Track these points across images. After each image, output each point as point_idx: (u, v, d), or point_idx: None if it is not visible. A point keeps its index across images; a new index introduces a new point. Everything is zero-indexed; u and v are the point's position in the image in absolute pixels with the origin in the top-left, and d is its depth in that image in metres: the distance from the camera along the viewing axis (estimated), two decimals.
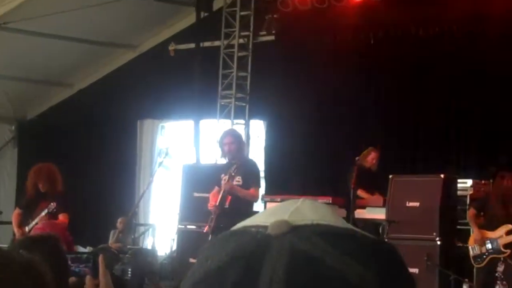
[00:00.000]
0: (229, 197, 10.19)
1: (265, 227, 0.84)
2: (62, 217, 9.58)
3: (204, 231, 10.56)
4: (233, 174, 10.00)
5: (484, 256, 10.23)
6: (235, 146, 10.50)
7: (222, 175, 10.48)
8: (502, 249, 10.07)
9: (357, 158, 12.41)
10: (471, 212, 10.70)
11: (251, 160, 10.90)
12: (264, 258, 0.80)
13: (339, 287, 0.79)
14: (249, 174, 10.40)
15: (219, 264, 0.82)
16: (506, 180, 10.17)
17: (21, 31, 15.71)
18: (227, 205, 10.20)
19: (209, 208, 10.48)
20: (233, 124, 15.67)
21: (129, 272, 12.69)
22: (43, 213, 9.44)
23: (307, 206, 0.87)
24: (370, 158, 12.62)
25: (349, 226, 0.87)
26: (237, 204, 10.14)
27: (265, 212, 0.90)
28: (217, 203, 10.22)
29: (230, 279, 0.80)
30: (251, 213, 9.98)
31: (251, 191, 10.37)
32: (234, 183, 10.15)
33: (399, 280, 0.85)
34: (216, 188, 10.64)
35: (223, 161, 11.10)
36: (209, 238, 10.10)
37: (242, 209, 10.03)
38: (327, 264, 0.79)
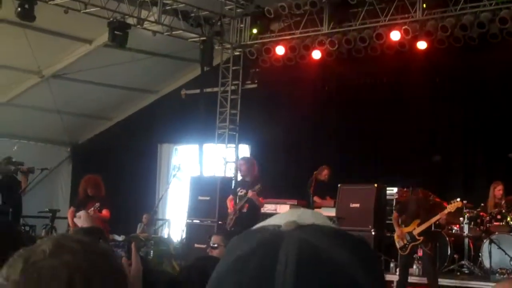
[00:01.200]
0: (247, 205, 10.33)
1: (279, 225, 0.86)
2: (105, 212, 9.59)
3: (228, 227, 10.63)
4: (256, 189, 10.17)
5: (407, 246, 10.20)
6: (245, 167, 10.70)
7: (239, 188, 10.65)
8: (417, 237, 10.11)
9: (315, 172, 12.50)
10: (394, 214, 10.65)
11: (259, 179, 10.91)
12: (280, 247, 0.81)
13: (332, 266, 0.80)
14: (262, 189, 10.45)
15: (246, 251, 0.83)
16: (421, 194, 10.30)
17: (75, 80, 15.75)
18: (245, 209, 10.36)
19: (229, 211, 10.63)
20: (226, 147, 15.72)
21: (151, 254, 12.71)
22: (92, 209, 9.45)
23: (308, 213, 0.90)
24: (324, 173, 12.66)
25: (337, 226, 0.91)
26: (253, 210, 10.35)
27: (278, 216, 0.92)
28: (237, 208, 10.41)
29: (254, 262, 0.81)
30: (260, 216, 10.31)
31: (261, 200, 10.47)
32: (249, 194, 10.27)
33: (373, 261, 0.87)
34: (230, 196, 10.77)
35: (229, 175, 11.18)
36: (228, 231, 10.24)
37: (256, 213, 10.34)
38: (325, 251, 0.81)
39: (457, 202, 10.26)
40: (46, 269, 1.24)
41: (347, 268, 0.81)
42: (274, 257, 0.80)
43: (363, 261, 0.83)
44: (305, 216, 0.89)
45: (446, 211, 10.17)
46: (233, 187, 11.96)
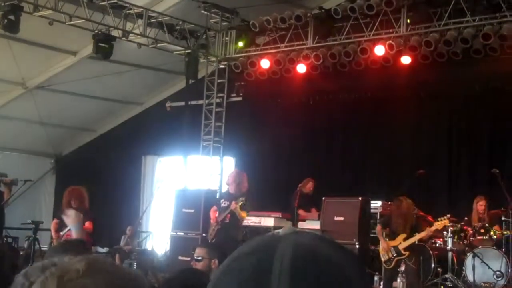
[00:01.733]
0: (229, 215, 10.34)
1: (278, 232, 0.91)
2: (88, 224, 9.49)
3: (209, 238, 10.64)
4: (239, 201, 10.20)
5: (392, 260, 10.19)
6: (236, 180, 10.71)
7: (222, 200, 10.65)
8: (403, 252, 10.10)
9: (300, 185, 12.47)
10: (378, 227, 10.65)
11: (247, 192, 10.90)
12: (276, 248, 0.84)
13: (328, 266, 0.83)
14: (248, 203, 10.46)
15: (244, 252, 0.87)
16: (403, 203, 10.25)
17: (60, 91, 15.68)
18: (227, 220, 10.39)
19: (212, 222, 10.62)
20: (211, 159, 15.68)
21: (135, 266, 12.61)
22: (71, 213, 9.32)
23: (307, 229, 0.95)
24: (308, 186, 12.65)
25: (332, 238, 0.93)
26: (234, 221, 10.40)
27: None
28: (219, 219, 10.44)
29: (252, 262, 0.84)
30: (240, 228, 10.51)
31: (242, 213, 10.45)
32: (232, 206, 10.29)
33: (362, 266, 0.90)
34: (214, 207, 10.75)
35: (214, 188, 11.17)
36: (209, 241, 10.25)
37: (237, 224, 10.45)
38: (320, 252, 0.85)
39: (445, 220, 10.33)
40: (82, 287, 1.26)
41: (341, 269, 0.83)
42: (270, 258, 0.82)
43: (355, 266, 0.86)
44: (304, 228, 0.91)
45: (433, 228, 10.22)
46: (217, 198, 11.92)
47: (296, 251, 0.83)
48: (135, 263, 12.65)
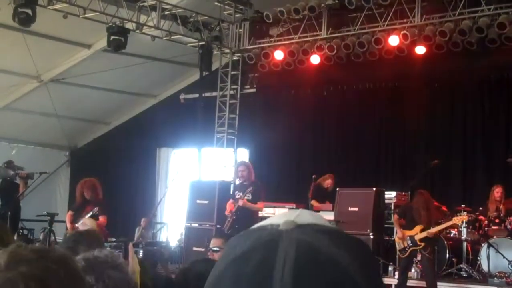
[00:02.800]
0: (241, 204, 10.50)
1: (278, 225, 0.85)
2: (102, 218, 9.48)
3: (224, 228, 10.72)
4: (248, 195, 10.40)
5: (407, 249, 10.17)
6: (246, 172, 10.79)
7: (236, 192, 10.69)
8: (418, 243, 10.07)
9: (314, 176, 12.42)
10: (395, 217, 10.70)
11: (258, 182, 10.93)
12: (278, 246, 0.81)
13: (332, 268, 0.80)
14: (257, 192, 10.62)
15: (244, 250, 0.83)
16: (425, 195, 10.22)
17: (74, 84, 15.73)
18: (239, 212, 10.52)
19: (226, 213, 10.68)
20: (225, 151, 15.68)
21: (140, 254, 12.55)
22: (87, 216, 9.35)
23: (306, 213, 0.89)
24: (327, 182, 12.56)
25: (336, 227, 0.90)
26: (249, 212, 10.54)
27: (276, 216, 0.89)
28: (234, 211, 10.54)
29: (253, 260, 0.81)
30: (256, 218, 10.44)
31: (258, 205, 10.66)
32: (245, 197, 10.41)
33: (371, 262, 0.87)
34: (231, 200, 10.80)
35: (228, 179, 11.22)
36: (226, 232, 10.32)
37: (252, 215, 10.56)
38: (323, 251, 0.80)
39: (464, 216, 10.29)
40: (2, 281, 1.26)
41: (345, 268, 0.80)
42: (272, 256, 0.79)
43: (362, 262, 0.82)
44: (304, 215, 0.87)
45: (451, 223, 10.18)
46: (232, 191, 11.94)
47: (299, 251, 0.80)
48: (141, 252, 12.57)
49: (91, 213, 9.37)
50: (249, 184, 10.60)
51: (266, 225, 0.87)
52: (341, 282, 0.79)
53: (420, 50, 12.87)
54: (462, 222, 11.10)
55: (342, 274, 0.80)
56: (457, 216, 10.39)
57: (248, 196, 10.45)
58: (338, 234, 0.85)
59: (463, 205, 11.43)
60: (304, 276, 0.78)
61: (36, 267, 1.29)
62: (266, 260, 0.79)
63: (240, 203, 10.36)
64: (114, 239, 12.28)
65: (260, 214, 11.12)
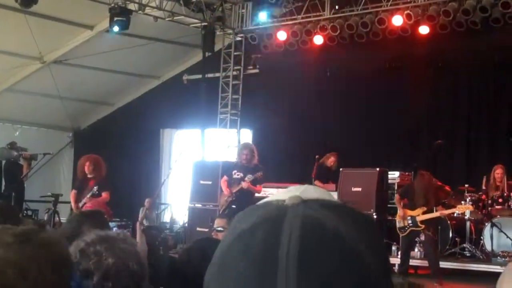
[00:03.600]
0: (245, 187, 10.47)
1: (283, 200, 0.84)
2: (105, 194, 9.49)
3: (220, 207, 10.75)
4: (251, 177, 10.41)
5: (406, 228, 10.22)
6: (250, 156, 10.75)
7: (235, 171, 10.65)
8: (419, 224, 10.10)
9: (317, 156, 12.41)
10: (397, 196, 10.75)
11: (261, 167, 10.90)
12: (284, 221, 0.80)
13: (338, 243, 0.79)
14: (260, 178, 10.57)
15: (250, 225, 0.82)
16: (426, 177, 10.21)
17: (77, 65, 15.68)
18: (239, 193, 10.53)
19: (225, 193, 10.67)
20: (228, 132, 15.66)
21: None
22: (88, 195, 9.34)
23: (311, 188, 0.89)
24: (330, 160, 12.56)
25: (341, 202, 0.88)
26: (248, 193, 10.54)
27: (282, 191, 0.89)
28: (233, 191, 10.57)
29: (259, 235, 0.80)
30: (253, 199, 10.40)
31: (258, 187, 10.65)
32: (246, 179, 10.42)
33: (378, 238, 0.86)
34: (225, 177, 10.76)
35: (231, 160, 11.21)
36: (220, 212, 10.31)
37: (250, 195, 10.57)
38: (329, 226, 0.79)
39: (468, 206, 10.29)
40: None
41: (351, 243, 0.79)
42: (278, 231, 0.79)
43: (368, 237, 0.82)
44: (309, 191, 0.87)
45: (454, 210, 10.18)
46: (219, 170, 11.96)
47: (304, 226, 0.79)
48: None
49: (91, 193, 9.36)
50: (253, 167, 10.55)
51: (272, 200, 0.86)
52: (347, 257, 0.78)
53: (424, 30, 12.78)
54: (465, 201, 11.11)
55: (348, 249, 0.79)
56: (462, 205, 10.37)
57: (250, 178, 10.43)
58: (345, 209, 0.84)
59: (466, 185, 11.42)
60: (310, 251, 0.77)
61: (14, 253, 1.27)
62: (272, 235, 0.79)
63: (245, 185, 10.35)
64: (118, 220, 12.32)
65: (262, 194, 11.10)
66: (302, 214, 0.80)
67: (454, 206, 11.12)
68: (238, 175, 10.58)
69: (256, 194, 10.81)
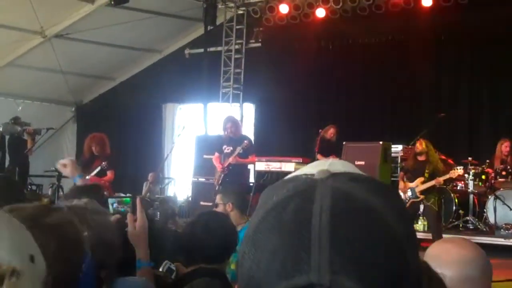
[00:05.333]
0: (233, 162, 10.39)
1: (312, 174, 0.86)
2: (109, 174, 9.46)
3: (214, 183, 10.73)
4: (240, 151, 10.29)
5: (407, 200, 10.23)
6: (234, 128, 10.71)
7: (224, 146, 10.60)
8: (418, 195, 10.10)
9: (320, 130, 12.35)
10: (401, 174, 10.77)
11: (246, 136, 10.90)
12: (314, 193, 0.82)
13: (367, 212, 0.81)
14: (248, 146, 10.46)
15: (283, 198, 0.84)
16: (419, 145, 10.22)
17: (78, 40, 15.55)
18: (231, 167, 10.46)
19: (218, 170, 10.61)
20: (231, 106, 15.58)
21: (158, 215, 12.59)
22: (96, 170, 9.33)
23: (338, 162, 0.91)
24: (330, 132, 12.48)
25: (367, 175, 0.89)
26: (239, 166, 10.57)
27: (309, 165, 0.91)
28: (225, 165, 10.47)
29: (291, 208, 0.82)
30: (246, 171, 10.24)
31: (251, 158, 10.69)
32: (236, 151, 10.33)
33: (404, 210, 0.87)
34: (216, 153, 10.74)
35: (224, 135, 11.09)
36: (216, 188, 10.22)
37: (241, 169, 10.71)
38: (358, 198, 0.82)
39: (460, 170, 10.25)
40: None
41: (380, 214, 0.81)
42: (309, 203, 0.81)
43: (396, 208, 0.84)
44: (336, 165, 0.90)
45: (447, 176, 10.15)
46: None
47: (335, 198, 0.81)
48: (158, 212, 12.60)
49: (99, 168, 9.34)
50: (238, 139, 10.53)
51: (301, 174, 0.88)
52: (377, 227, 0.81)
53: (427, 2, 12.68)
54: (469, 174, 11.07)
55: (378, 220, 0.81)
56: (454, 169, 10.32)
57: (240, 151, 10.39)
58: (372, 181, 0.87)
59: (469, 158, 11.35)
60: (341, 222, 0.79)
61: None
62: (304, 208, 0.81)
63: (232, 160, 10.34)
64: (122, 194, 12.26)
65: (266, 167, 11.07)
66: (332, 186, 0.83)
67: (458, 179, 11.10)
68: (228, 149, 10.57)
69: (268, 168, 10.79)
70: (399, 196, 0.84)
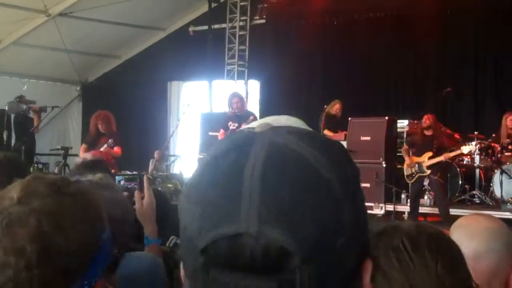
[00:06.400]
0: None
1: (253, 128, 0.87)
2: (117, 149, 9.48)
3: None
4: (248, 122, 10.08)
5: (414, 175, 10.25)
6: (240, 103, 10.68)
7: (230, 122, 10.55)
8: (425, 170, 10.09)
9: (325, 106, 12.29)
10: (404, 146, 10.76)
11: (252, 112, 10.87)
12: (252, 146, 0.82)
13: (301, 164, 0.80)
14: (249, 120, 10.41)
15: (220, 151, 0.84)
16: (427, 121, 10.19)
17: (83, 18, 15.45)
18: None
19: None
20: (236, 83, 15.51)
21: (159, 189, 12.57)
22: (105, 146, 9.35)
23: (284, 118, 0.93)
24: (335, 108, 12.43)
25: (314, 131, 0.88)
26: None
27: (256, 121, 0.91)
28: None
29: (228, 160, 0.82)
30: None
31: None
32: (242, 128, 10.18)
33: (346, 165, 0.85)
34: (222, 130, 10.71)
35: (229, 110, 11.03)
36: None
37: None
38: (293, 149, 0.81)
39: (472, 146, 10.20)
40: (14, 216, 1.22)
41: (314, 166, 0.80)
42: (245, 155, 0.81)
43: (335, 162, 0.82)
44: (281, 120, 0.91)
45: (458, 152, 10.11)
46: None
47: (270, 151, 0.80)
48: (159, 188, 12.57)
49: (106, 145, 9.35)
50: (244, 115, 10.48)
51: (243, 129, 0.89)
52: (309, 179, 0.79)
53: None
54: (471, 151, 11.01)
55: (310, 171, 0.80)
56: (466, 145, 10.29)
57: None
58: (313, 135, 0.86)
59: (475, 132, 11.29)
60: (273, 175, 0.78)
61: (49, 203, 1.24)
62: (239, 160, 0.81)
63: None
64: (128, 172, 12.24)
65: None
66: (269, 140, 0.82)
67: (464, 154, 11.06)
68: (233, 125, 10.51)
69: None
70: (344, 152, 0.86)
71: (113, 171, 5.73)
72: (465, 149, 10.14)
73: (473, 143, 10.52)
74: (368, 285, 0.84)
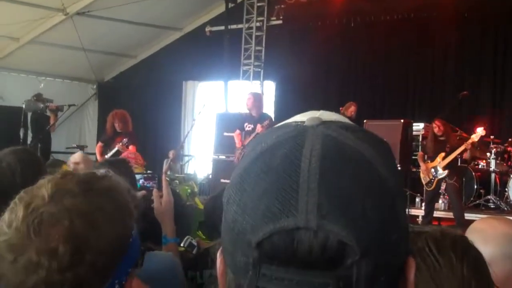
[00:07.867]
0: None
1: (303, 121, 0.85)
2: (132, 148, 9.57)
3: (234, 161, 10.73)
4: (264, 124, 10.13)
5: (432, 181, 10.19)
6: (252, 101, 10.66)
7: (246, 123, 10.59)
8: (442, 171, 10.06)
9: (341, 108, 12.31)
10: (420, 153, 10.72)
11: (268, 115, 10.87)
12: (305, 139, 0.80)
13: (357, 159, 0.80)
14: (268, 126, 10.43)
15: (272, 143, 0.82)
16: (436, 125, 10.16)
17: (100, 17, 15.56)
18: None
19: (238, 146, 10.62)
20: (251, 84, 15.57)
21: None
22: (120, 144, 9.44)
23: (328, 112, 0.90)
24: (350, 110, 12.44)
25: (362, 127, 0.89)
26: None
27: (299, 115, 0.90)
28: (245, 143, 10.46)
29: (280, 153, 0.80)
30: None
31: None
32: (257, 130, 10.27)
33: (394, 162, 0.86)
34: (238, 130, 10.74)
35: (246, 112, 11.07)
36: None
37: None
38: (348, 144, 0.80)
39: (480, 130, 10.12)
40: (46, 215, 1.21)
41: (369, 161, 0.80)
42: (299, 148, 0.79)
43: (385, 157, 0.83)
44: (327, 114, 0.89)
45: (470, 141, 10.05)
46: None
47: (325, 144, 0.80)
48: (177, 190, 12.66)
49: (124, 141, 9.45)
50: (260, 117, 10.48)
51: (291, 122, 0.87)
52: (366, 173, 0.79)
53: None
54: (490, 153, 10.99)
55: (367, 165, 0.80)
56: (474, 133, 10.21)
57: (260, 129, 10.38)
58: (362, 130, 0.86)
59: (491, 137, 11.28)
60: (331, 168, 0.78)
61: (81, 201, 1.24)
62: (293, 153, 0.79)
63: (259, 129, 10.26)
64: (145, 172, 12.33)
65: None
66: (322, 133, 0.81)
67: (480, 158, 11.03)
68: (249, 127, 10.56)
69: None
70: (387, 145, 0.87)
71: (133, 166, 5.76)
72: (475, 136, 10.07)
73: (480, 129, 10.35)
74: (412, 282, 0.84)
